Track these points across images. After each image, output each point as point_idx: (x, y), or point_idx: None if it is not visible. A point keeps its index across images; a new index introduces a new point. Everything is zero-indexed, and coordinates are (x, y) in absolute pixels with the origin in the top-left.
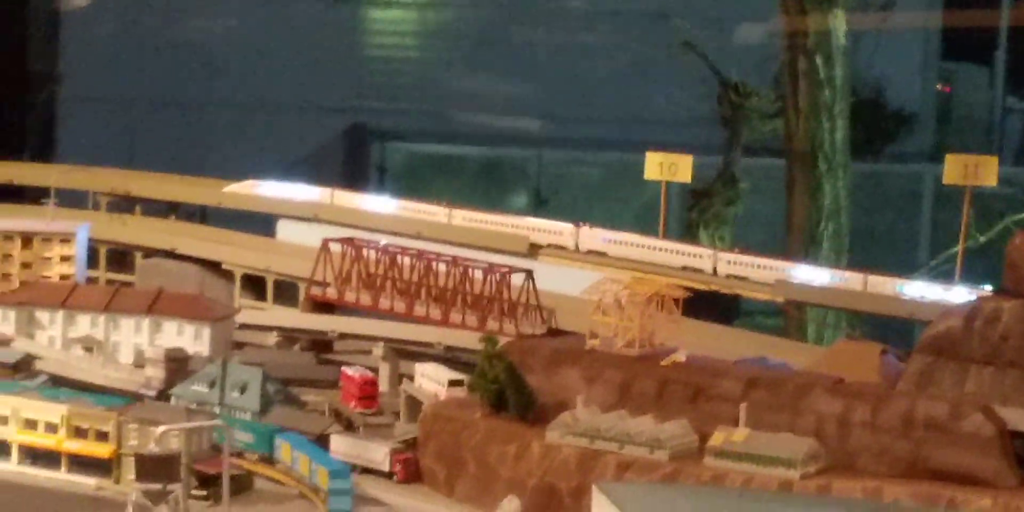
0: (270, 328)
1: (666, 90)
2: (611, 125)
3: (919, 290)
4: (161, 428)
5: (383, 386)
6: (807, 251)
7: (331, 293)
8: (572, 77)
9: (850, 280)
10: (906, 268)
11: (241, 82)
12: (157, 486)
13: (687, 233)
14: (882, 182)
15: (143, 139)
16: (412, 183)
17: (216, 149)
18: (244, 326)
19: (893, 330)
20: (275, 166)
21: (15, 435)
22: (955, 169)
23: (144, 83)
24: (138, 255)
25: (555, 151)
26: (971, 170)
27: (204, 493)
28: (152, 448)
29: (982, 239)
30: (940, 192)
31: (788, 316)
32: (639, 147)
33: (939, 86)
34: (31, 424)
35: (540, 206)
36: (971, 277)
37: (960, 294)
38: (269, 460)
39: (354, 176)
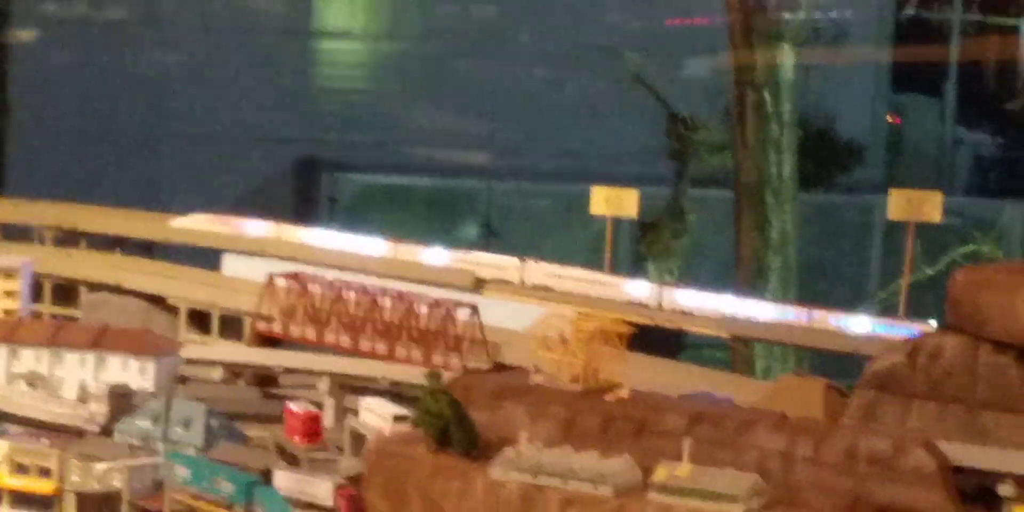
0: (215, 363)
1: (616, 124)
2: (561, 158)
3: (863, 325)
4: (102, 465)
5: (328, 421)
6: (755, 284)
7: (277, 328)
8: (522, 110)
9: (795, 315)
10: (856, 300)
11: (191, 114)
12: None
13: (636, 266)
14: (832, 213)
15: (92, 172)
16: (363, 214)
17: (166, 182)
18: (189, 361)
19: (842, 364)
20: (226, 197)
21: None
22: (899, 204)
23: (93, 116)
24: (83, 289)
25: (505, 183)
26: (915, 205)
27: None
28: (93, 484)
29: (929, 272)
30: (890, 223)
31: (734, 350)
32: (589, 179)
33: (889, 118)
34: None
35: (490, 237)
36: (919, 310)
37: (904, 329)
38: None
39: (305, 207)
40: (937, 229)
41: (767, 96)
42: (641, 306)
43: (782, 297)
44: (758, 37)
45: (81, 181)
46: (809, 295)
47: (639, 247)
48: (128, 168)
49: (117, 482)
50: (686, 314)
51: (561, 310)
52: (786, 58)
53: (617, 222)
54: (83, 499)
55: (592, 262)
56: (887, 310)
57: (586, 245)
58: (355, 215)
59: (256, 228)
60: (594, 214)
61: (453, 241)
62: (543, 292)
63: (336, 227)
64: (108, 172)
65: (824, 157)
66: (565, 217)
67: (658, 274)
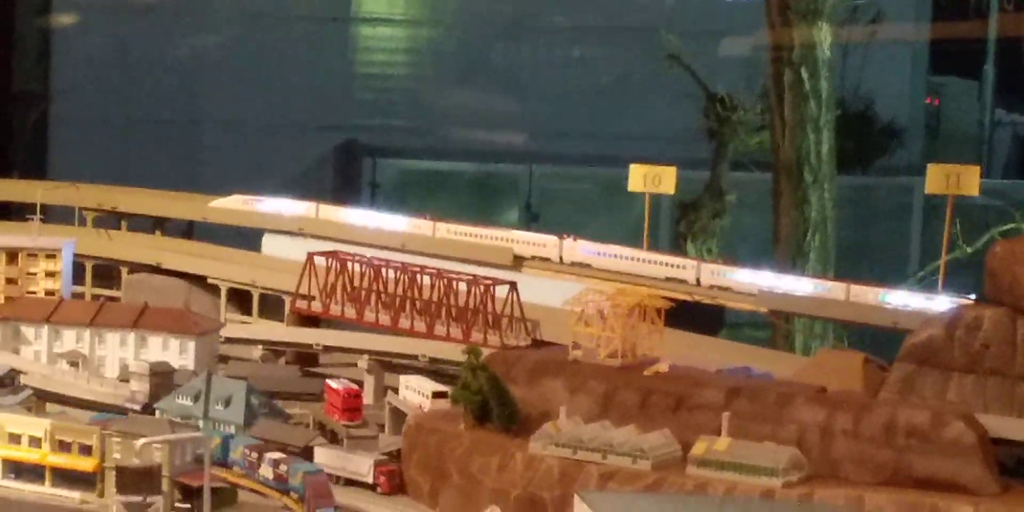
0: (255, 342)
1: (655, 104)
2: (600, 140)
3: (902, 299)
4: (141, 440)
5: (368, 398)
6: (794, 263)
7: (316, 306)
8: (561, 93)
9: (833, 290)
10: (895, 280)
11: (232, 100)
12: (137, 499)
13: (675, 246)
14: (871, 195)
15: (135, 159)
16: (404, 199)
17: (208, 168)
18: (229, 340)
19: (881, 341)
20: (267, 184)
21: None
22: (937, 179)
23: (135, 102)
24: (124, 270)
25: (545, 166)
26: (953, 179)
27: (187, 506)
28: (133, 461)
29: (969, 250)
30: (929, 205)
31: (775, 328)
32: (629, 162)
33: (928, 100)
34: (14, 438)
35: (531, 221)
36: (958, 288)
37: (943, 303)
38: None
39: (346, 193)
40: (977, 209)
41: (804, 74)
42: (679, 282)
43: (821, 276)
44: (795, 15)
45: (123, 167)
46: (848, 276)
47: (677, 227)
48: (169, 154)
49: (157, 457)
50: (724, 289)
51: (599, 286)
52: (823, 36)
53: (657, 204)
54: (123, 473)
55: (633, 245)
56: (926, 288)
57: (627, 228)
58: (396, 200)
59: (294, 208)
60: (632, 191)
61: (495, 225)
62: (582, 269)
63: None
64: (150, 158)
65: (863, 139)
66: (605, 200)
67: (697, 254)
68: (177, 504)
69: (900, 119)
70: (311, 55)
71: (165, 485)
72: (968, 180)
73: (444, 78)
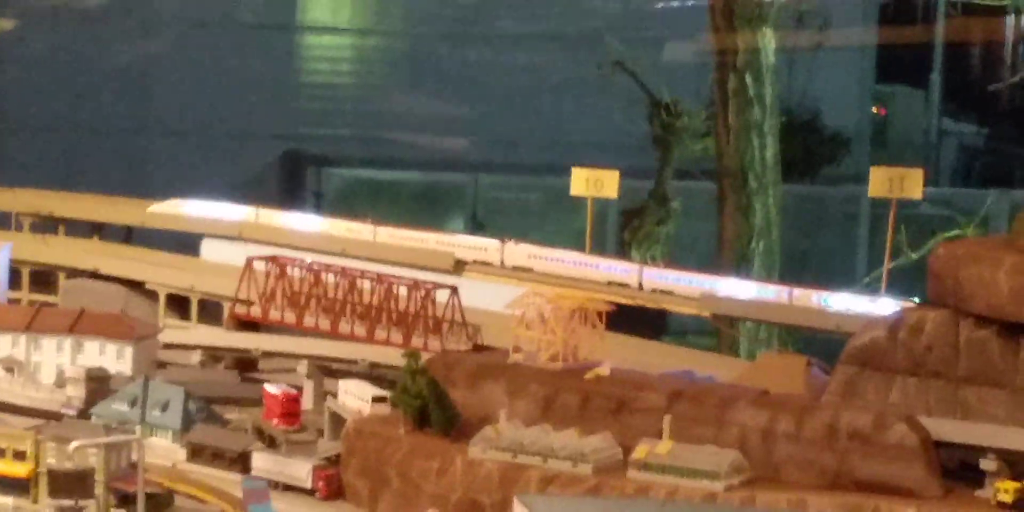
0: (194, 347)
1: (602, 112)
2: (547, 148)
3: (844, 303)
4: (74, 444)
5: (307, 403)
6: (739, 269)
7: (255, 311)
8: (507, 101)
9: (775, 294)
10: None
11: (176, 108)
12: (69, 502)
13: (621, 253)
14: (819, 204)
15: (77, 166)
16: (348, 209)
17: (151, 176)
18: (168, 345)
19: (826, 345)
20: (211, 193)
21: None
22: (880, 181)
23: (78, 108)
24: (61, 276)
25: (491, 175)
26: (896, 183)
27: (123, 511)
28: (66, 465)
29: (914, 256)
30: (876, 213)
31: (720, 333)
32: None
33: (875, 109)
34: None
35: (478, 230)
36: (904, 293)
37: (885, 306)
38: None
39: (290, 202)
40: (923, 218)
41: (748, 80)
42: (621, 286)
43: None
44: (739, 20)
45: (65, 173)
46: (795, 283)
47: (623, 234)
48: (112, 161)
49: (92, 462)
50: (666, 293)
51: (540, 289)
52: (767, 42)
53: (603, 210)
54: (55, 478)
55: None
56: (871, 293)
57: (574, 237)
58: (340, 209)
59: (234, 212)
60: (574, 195)
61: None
62: (523, 273)
63: None
64: (92, 165)
65: (810, 148)
66: (552, 209)
67: (642, 260)
68: (112, 509)
69: (847, 128)
70: (256, 63)
71: (100, 490)
72: (911, 183)
73: (390, 87)
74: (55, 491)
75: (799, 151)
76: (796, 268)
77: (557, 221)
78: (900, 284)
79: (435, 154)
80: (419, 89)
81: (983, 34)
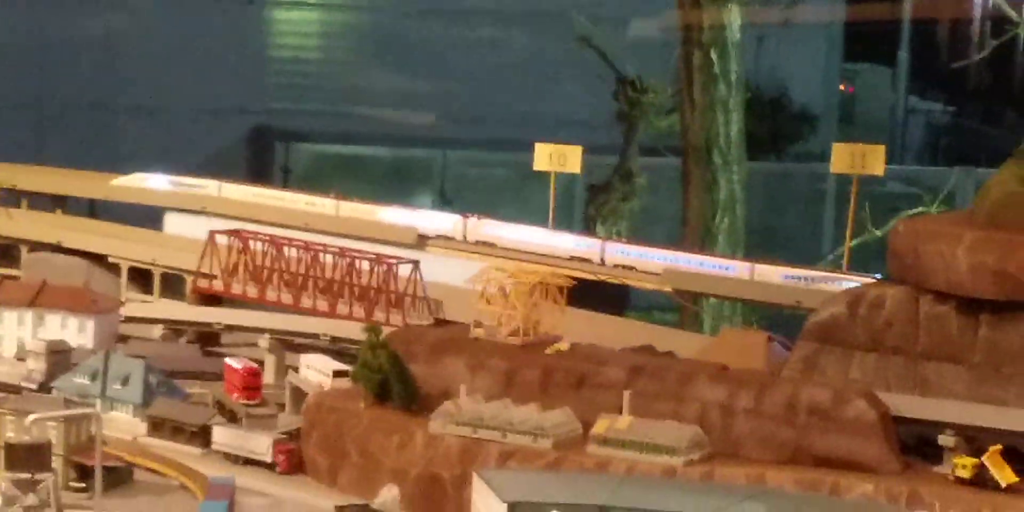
0: (156, 321)
1: (570, 88)
2: (515, 124)
3: (806, 278)
4: (32, 417)
5: (269, 378)
6: (703, 245)
7: (217, 285)
8: (475, 77)
9: (737, 269)
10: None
11: (144, 83)
12: (26, 475)
13: (586, 228)
14: (785, 181)
15: (45, 140)
16: (317, 184)
17: (119, 151)
18: (130, 319)
19: (791, 321)
20: (178, 168)
21: None
22: (842, 157)
23: (45, 83)
24: (24, 249)
25: (459, 151)
26: (858, 159)
27: (83, 485)
28: (23, 438)
29: (879, 234)
30: (842, 191)
31: (684, 310)
32: None
33: (842, 86)
34: None
35: (446, 206)
36: (867, 270)
37: (846, 282)
38: None
39: (258, 178)
40: (889, 196)
41: (714, 56)
42: (583, 261)
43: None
44: None
45: (28, 150)
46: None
47: (588, 210)
48: (79, 137)
49: (50, 434)
50: (628, 268)
51: (502, 264)
52: (733, 17)
53: (571, 187)
54: (12, 450)
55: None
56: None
57: (542, 212)
58: (309, 185)
59: (198, 186)
60: (537, 170)
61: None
62: (486, 248)
63: None
64: (60, 140)
65: (777, 124)
66: (520, 184)
67: (607, 235)
68: (72, 483)
69: (814, 105)
70: (224, 38)
71: (59, 464)
72: (873, 159)
73: (357, 62)
74: (12, 464)
75: (766, 128)
76: (762, 244)
77: (525, 196)
78: (865, 260)
79: (403, 129)
80: (387, 64)
81: (950, 12)
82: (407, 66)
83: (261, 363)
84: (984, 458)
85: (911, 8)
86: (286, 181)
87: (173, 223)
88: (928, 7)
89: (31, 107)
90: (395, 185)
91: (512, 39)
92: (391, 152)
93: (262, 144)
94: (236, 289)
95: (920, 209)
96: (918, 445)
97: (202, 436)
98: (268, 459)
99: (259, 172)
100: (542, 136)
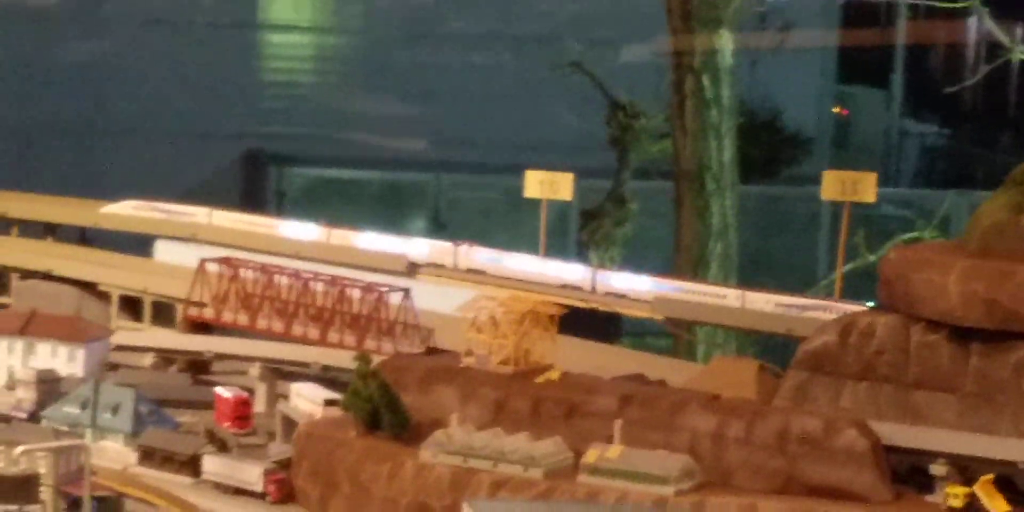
0: (146, 349)
1: (562, 113)
2: (508, 148)
3: (797, 306)
4: (20, 448)
5: (259, 406)
6: (696, 271)
7: (208, 313)
8: (468, 101)
9: (728, 297)
10: (801, 289)
11: (135, 108)
12: (14, 507)
13: (579, 254)
14: (779, 205)
15: (32, 166)
16: (311, 208)
17: (110, 177)
18: (120, 347)
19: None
20: (171, 193)
21: None
22: (833, 185)
23: (33, 108)
24: (14, 277)
25: (453, 175)
26: (849, 186)
27: None
28: (12, 470)
29: (872, 258)
30: (837, 214)
31: (676, 337)
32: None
33: (836, 109)
34: None
35: (439, 230)
36: (863, 296)
37: (838, 310)
38: None
39: (252, 202)
40: (884, 219)
41: (706, 81)
42: (575, 289)
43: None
44: (696, 22)
45: (17, 175)
46: (753, 285)
47: (581, 235)
48: (68, 162)
49: (39, 465)
50: (619, 296)
51: (492, 292)
52: (725, 43)
53: (564, 212)
54: (0, 481)
55: (533, 252)
56: (826, 296)
57: (535, 236)
58: (303, 209)
59: (188, 214)
60: (528, 198)
61: (401, 234)
62: (477, 276)
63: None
64: (48, 165)
65: (771, 148)
66: (513, 209)
67: (600, 262)
68: None
69: (808, 128)
70: (215, 62)
71: (48, 494)
72: (864, 187)
73: (350, 86)
74: (0, 496)
75: (760, 152)
76: (756, 270)
77: (518, 221)
78: (859, 287)
79: (397, 153)
80: (380, 89)
81: (944, 36)
82: (400, 90)
83: (252, 392)
84: (976, 487)
85: (905, 32)
86: (280, 205)
87: (164, 251)
88: (922, 31)
89: (20, 131)
90: (389, 209)
91: (504, 63)
92: (385, 176)
93: (256, 168)
94: (227, 317)
95: (915, 233)
96: (910, 474)
97: (192, 465)
98: (259, 489)
99: (253, 196)
100: (534, 160)
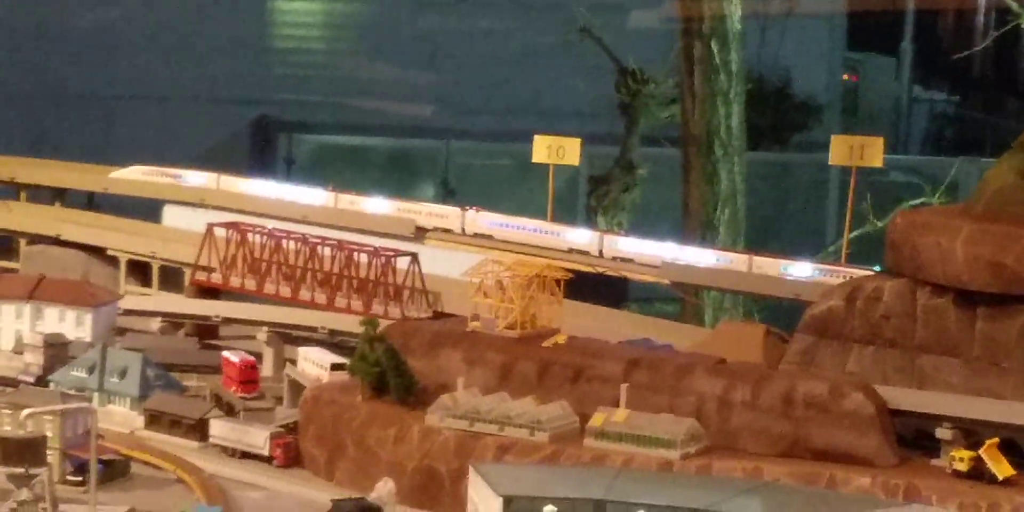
0: (154, 314)
1: (572, 79)
2: (517, 115)
3: (804, 271)
4: (26, 411)
5: (267, 371)
6: (704, 236)
7: (216, 278)
8: (477, 68)
9: (735, 261)
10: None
11: (145, 74)
12: (20, 470)
13: (588, 220)
14: (788, 171)
15: (43, 131)
16: (320, 175)
17: (120, 142)
18: (128, 312)
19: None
20: (180, 159)
21: None
22: (840, 150)
23: (44, 74)
24: (23, 242)
25: (462, 141)
26: (857, 151)
27: (79, 478)
28: (18, 432)
29: (879, 224)
30: (845, 181)
31: (684, 302)
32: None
33: (846, 76)
34: None
35: (449, 197)
36: (869, 261)
37: (845, 274)
38: None
39: (261, 168)
40: (893, 186)
41: (714, 47)
42: (582, 253)
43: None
44: None
45: (27, 141)
46: (761, 250)
47: (589, 201)
48: (79, 128)
49: (46, 428)
50: (626, 261)
51: (499, 257)
52: (734, 8)
53: (573, 178)
54: (6, 444)
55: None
56: (833, 261)
57: (543, 202)
58: (312, 176)
59: (196, 179)
60: (536, 162)
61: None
62: (484, 240)
63: None
64: (59, 131)
65: (780, 115)
66: (522, 175)
67: (608, 227)
68: (69, 476)
69: (818, 95)
70: (225, 29)
71: (55, 457)
72: (872, 152)
73: (360, 52)
74: (6, 458)
75: (769, 118)
76: (765, 235)
77: (527, 187)
78: (866, 252)
79: (406, 120)
80: (390, 55)
81: (953, 2)
82: (410, 57)
83: (259, 356)
84: (981, 451)
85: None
86: (289, 172)
87: (172, 216)
88: None
89: (29, 98)
90: (398, 175)
91: (514, 29)
92: (394, 142)
93: (265, 135)
94: (234, 282)
95: (922, 199)
96: (915, 438)
97: (199, 429)
98: (265, 452)
99: (262, 163)
100: (544, 126)
